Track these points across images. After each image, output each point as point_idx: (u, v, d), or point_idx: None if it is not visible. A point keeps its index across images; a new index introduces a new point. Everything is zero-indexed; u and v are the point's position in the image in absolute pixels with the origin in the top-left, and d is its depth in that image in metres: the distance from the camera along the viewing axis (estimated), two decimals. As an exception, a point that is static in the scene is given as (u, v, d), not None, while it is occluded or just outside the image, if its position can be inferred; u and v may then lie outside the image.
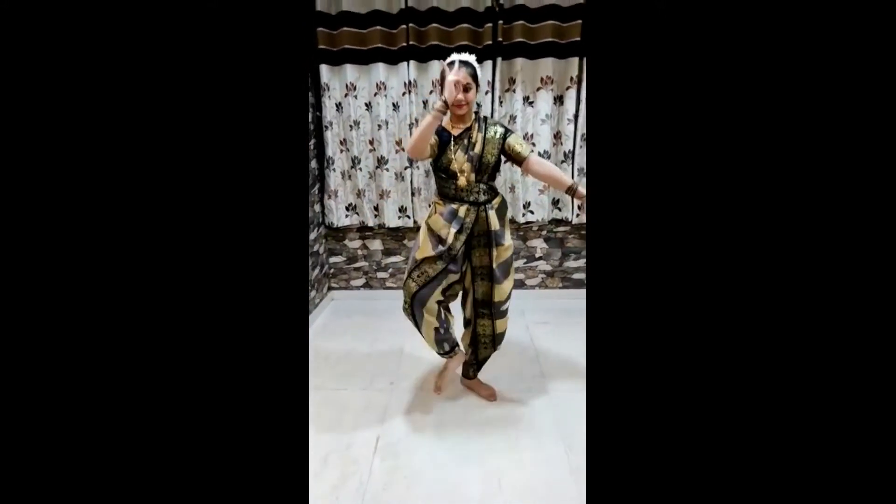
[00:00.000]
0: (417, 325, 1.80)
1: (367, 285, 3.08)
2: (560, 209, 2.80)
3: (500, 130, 1.66)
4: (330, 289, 3.07)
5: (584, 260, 2.94)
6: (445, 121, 1.65)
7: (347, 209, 2.86)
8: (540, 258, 2.96)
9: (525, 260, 2.95)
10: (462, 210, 1.67)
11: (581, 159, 2.66)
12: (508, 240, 1.76)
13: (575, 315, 2.75)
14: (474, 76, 1.57)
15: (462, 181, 1.64)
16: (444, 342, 1.82)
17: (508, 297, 1.82)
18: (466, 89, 1.55)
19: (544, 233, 2.91)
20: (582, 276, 2.98)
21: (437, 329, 1.78)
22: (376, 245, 3.00)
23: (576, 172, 2.66)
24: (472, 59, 1.59)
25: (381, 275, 3.05)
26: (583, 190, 1.61)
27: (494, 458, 1.62)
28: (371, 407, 1.92)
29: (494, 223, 1.69)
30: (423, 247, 1.70)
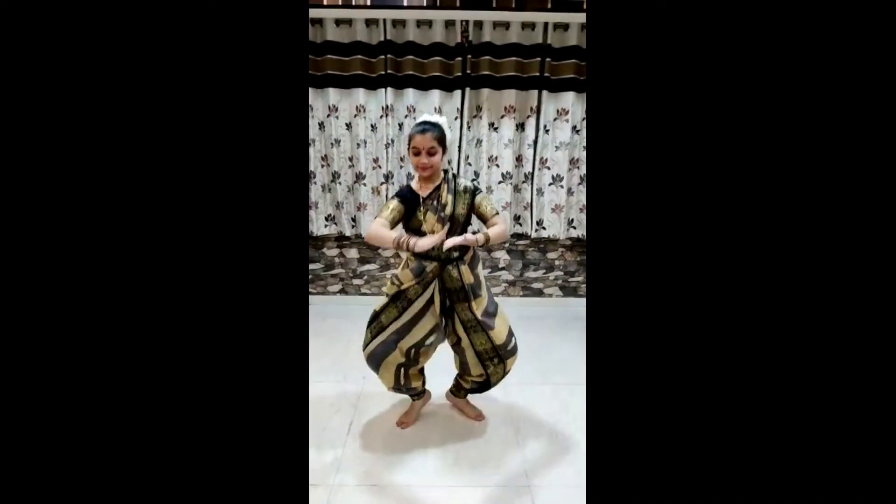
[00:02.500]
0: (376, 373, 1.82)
1: (342, 291, 3.30)
2: (521, 224, 3.09)
3: (470, 189, 1.68)
4: (308, 294, 3.28)
5: (543, 270, 3.24)
6: (414, 182, 1.69)
7: (326, 220, 3.08)
8: (503, 269, 3.24)
9: (489, 270, 3.22)
10: (430, 266, 1.66)
11: (539, 180, 2.96)
12: (485, 290, 1.76)
13: (533, 321, 3.03)
14: (440, 139, 1.58)
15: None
16: (402, 391, 1.89)
17: (510, 335, 1.81)
18: (431, 153, 1.57)
19: (506, 245, 3.19)
20: (540, 285, 3.27)
21: (396, 381, 1.81)
22: (353, 254, 3.23)
23: (534, 192, 2.96)
24: (441, 120, 1.63)
25: (356, 282, 3.28)
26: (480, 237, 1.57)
27: (452, 438, 1.87)
28: (345, 397, 2.14)
29: (468, 277, 1.69)
30: (384, 300, 1.73)
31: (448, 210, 1.62)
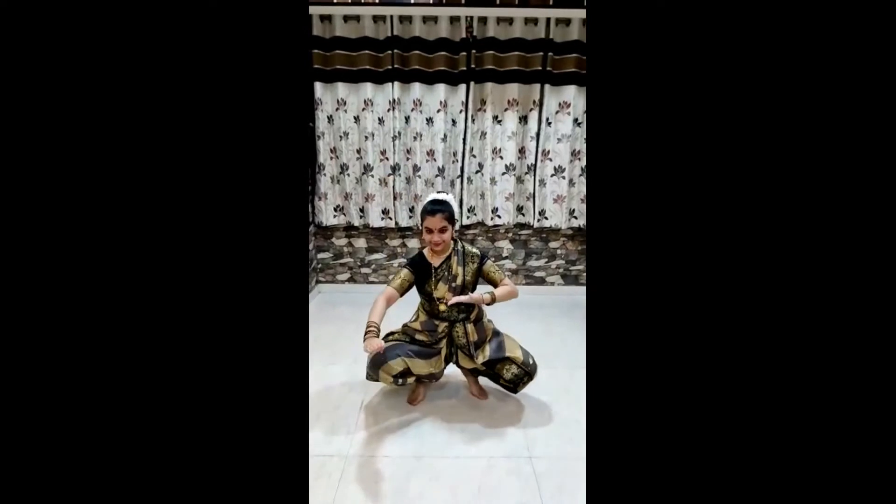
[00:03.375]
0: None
1: (351, 279, 3.41)
2: (524, 214, 3.18)
3: (477, 259, 1.86)
4: (318, 282, 3.39)
5: (545, 259, 3.34)
6: (426, 251, 1.85)
7: (335, 210, 3.19)
8: (506, 257, 3.34)
9: (493, 259, 3.33)
10: (441, 327, 1.88)
11: (541, 171, 3.05)
12: (489, 336, 1.92)
13: (535, 309, 3.13)
14: (449, 217, 1.76)
15: (443, 307, 1.83)
16: (405, 385, 1.91)
17: (526, 352, 1.95)
18: (442, 231, 1.75)
19: (510, 235, 3.29)
20: (542, 273, 3.37)
21: (394, 381, 1.84)
22: (361, 243, 3.33)
23: (537, 183, 3.05)
24: (448, 197, 1.81)
25: (364, 270, 3.38)
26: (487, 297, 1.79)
27: (459, 415, 1.97)
28: (356, 378, 2.25)
29: (473, 335, 1.88)
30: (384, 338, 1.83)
31: (459, 281, 1.83)
